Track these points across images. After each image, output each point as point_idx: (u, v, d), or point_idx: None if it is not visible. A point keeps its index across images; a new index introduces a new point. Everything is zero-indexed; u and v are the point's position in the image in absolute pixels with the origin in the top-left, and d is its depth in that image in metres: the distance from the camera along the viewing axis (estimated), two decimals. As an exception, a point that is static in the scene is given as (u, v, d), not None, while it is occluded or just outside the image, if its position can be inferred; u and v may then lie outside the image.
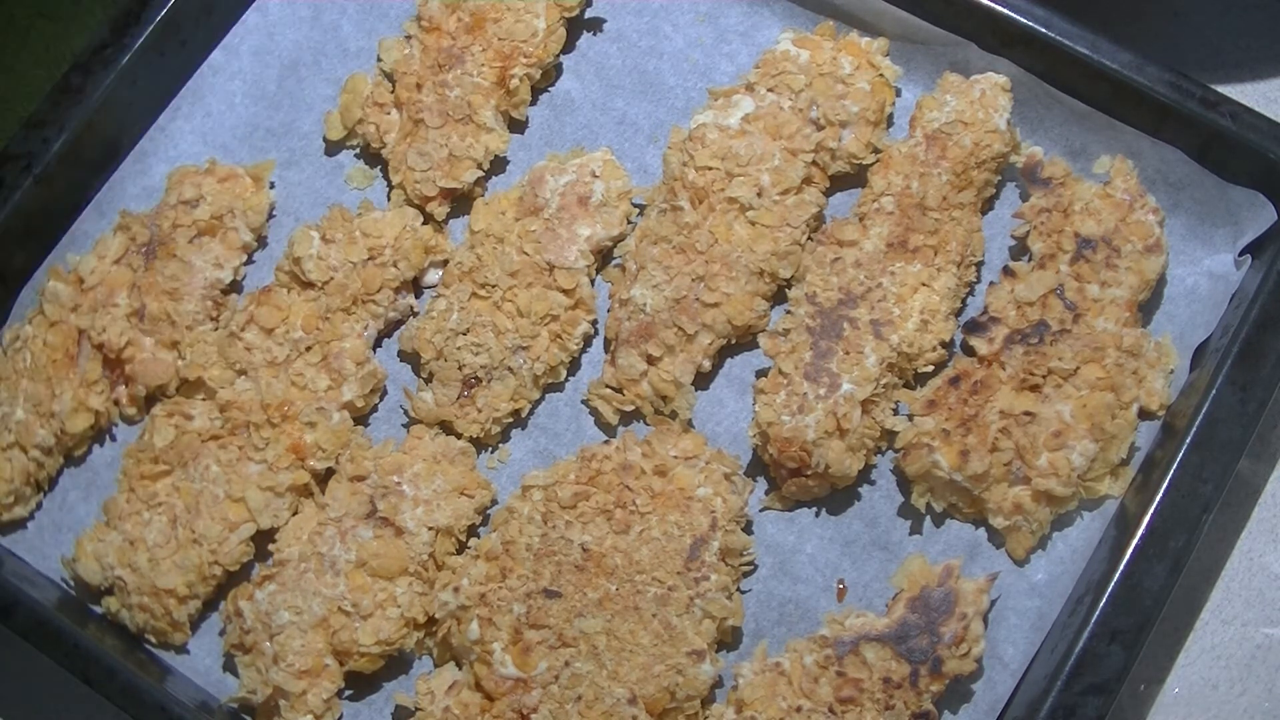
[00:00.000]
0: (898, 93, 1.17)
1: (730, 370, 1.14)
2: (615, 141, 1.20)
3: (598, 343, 1.16)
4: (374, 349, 1.16)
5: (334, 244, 1.14)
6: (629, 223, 1.15)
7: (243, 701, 1.06)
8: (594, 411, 1.13)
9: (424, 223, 1.17)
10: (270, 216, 1.21)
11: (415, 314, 1.17)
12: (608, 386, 1.12)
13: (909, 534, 1.08)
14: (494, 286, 1.12)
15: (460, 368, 1.11)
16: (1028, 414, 1.04)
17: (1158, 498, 1.00)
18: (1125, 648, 0.98)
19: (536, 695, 1.00)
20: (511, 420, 1.13)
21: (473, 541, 1.09)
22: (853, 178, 1.15)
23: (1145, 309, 1.09)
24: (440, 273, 1.17)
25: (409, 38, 1.21)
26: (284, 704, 1.04)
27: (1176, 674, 1.09)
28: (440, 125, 1.17)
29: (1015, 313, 1.07)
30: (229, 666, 1.09)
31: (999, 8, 1.13)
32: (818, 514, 1.09)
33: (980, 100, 1.11)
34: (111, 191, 1.22)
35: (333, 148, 1.23)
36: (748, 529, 1.08)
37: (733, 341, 1.12)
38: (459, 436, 1.11)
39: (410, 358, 1.16)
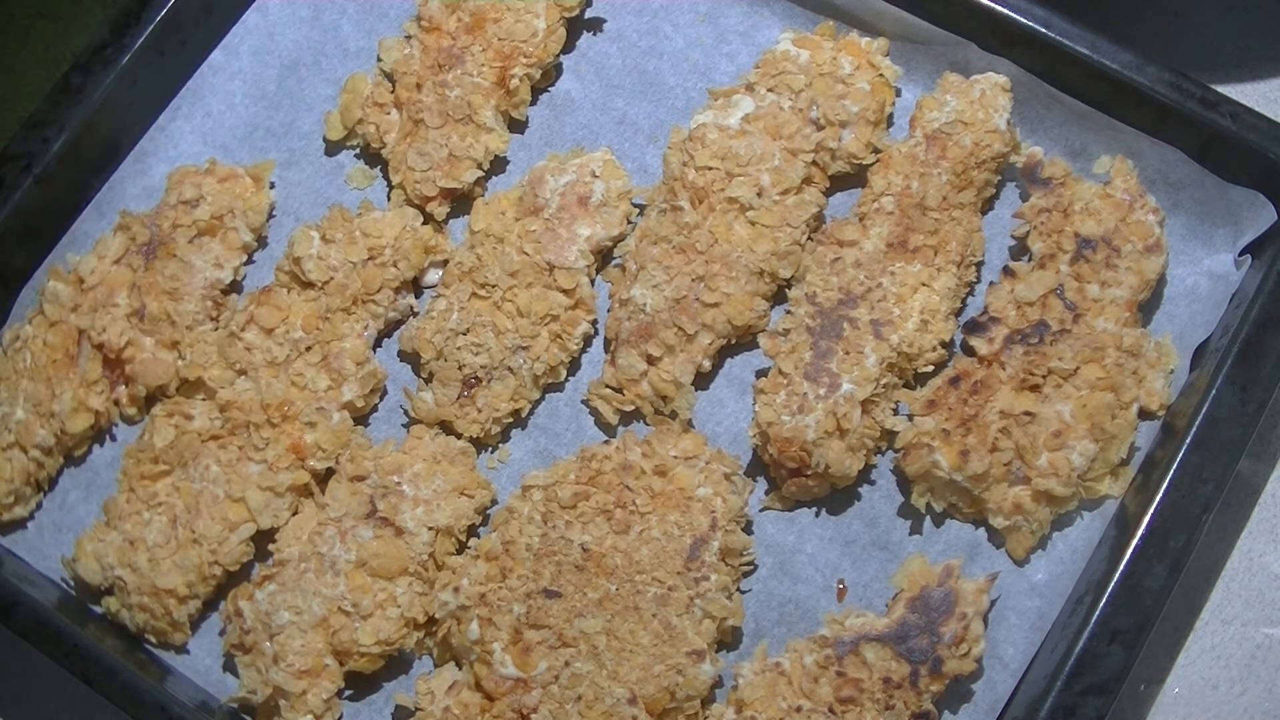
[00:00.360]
0: (898, 93, 1.17)
1: (730, 370, 1.14)
2: (615, 141, 1.20)
3: (598, 343, 1.16)
4: (374, 349, 1.16)
5: (334, 244, 1.14)
6: (629, 223, 1.15)
7: (243, 701, 1.06)
8: (594, 411, 1.13)
9: (424, 223, 1.17)
10: (270, 216, 1.21)
11: (415, 314, 1.17)
12: (608, 386, 1.12)
13: (909, 534, 1.08)
14: (494, 286, 1.12)
15: (460, 368, 1.11)
16: (1028, 414, 1.03)
17: (1158, 498, 1.00)
18: (1125, 648, 0.97)
19: (536, 695, 1.00)
20: (511, 420, 1.13)
21: (473, 541, 1.09)
22: (853, 178, 1.15)
23: (1145, 309, 1.09)
24: (440, 273, 1.17)
25: (409, 38, 1.21)
26: (284, 704, 1.04)
27: (1176, 674, 1.09)
28: (440, 125, 1.17)
29: (1015, 313, 1.07)
30: (229, 666, 1.09)
31: (999, 8, 1.13)
32: (818, 514, 1.09)
33: (980, 100, 1.11)
34: (111, 191, 1.22)
35: (333, 148, 1.23)
36: (748, 529, 1.08)
37: (733, 341, 1.12)
38: (459, 436, 1.11)
39: (410, 358, 1.16)
